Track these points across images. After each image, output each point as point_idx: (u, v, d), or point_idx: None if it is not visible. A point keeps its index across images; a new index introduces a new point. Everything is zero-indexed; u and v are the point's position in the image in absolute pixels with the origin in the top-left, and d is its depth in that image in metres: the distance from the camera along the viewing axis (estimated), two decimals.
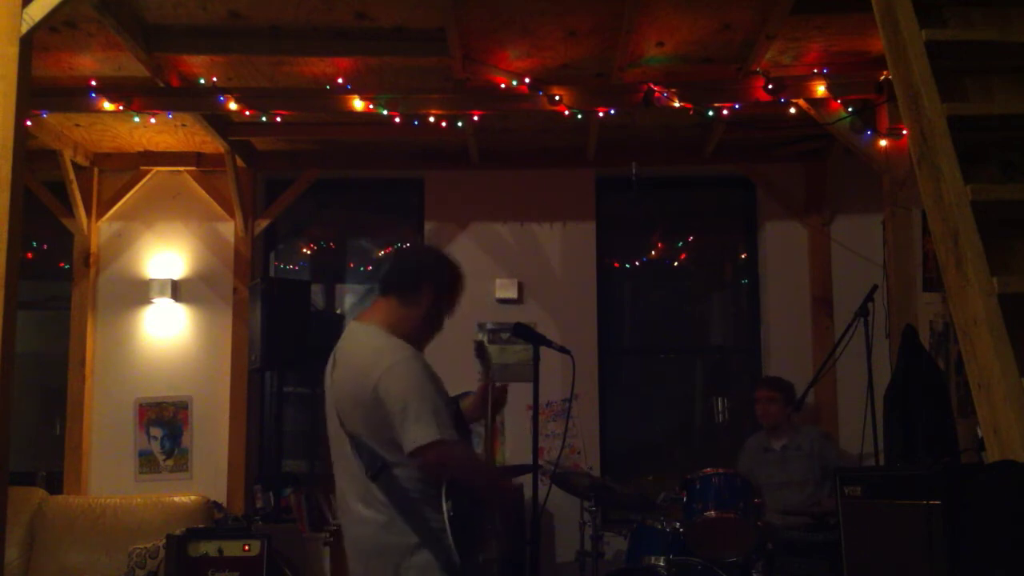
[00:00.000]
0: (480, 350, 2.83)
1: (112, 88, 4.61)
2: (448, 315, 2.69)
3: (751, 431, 5.25)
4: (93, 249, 5.80)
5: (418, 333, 2.62)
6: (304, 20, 4.16)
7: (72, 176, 5.56)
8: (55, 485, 5.61)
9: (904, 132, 4.15)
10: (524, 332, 2.91)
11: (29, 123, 3.58)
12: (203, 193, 5.85)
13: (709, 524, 4.12)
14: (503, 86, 4.62)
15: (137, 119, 4.93)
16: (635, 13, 3.95)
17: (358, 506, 2.50)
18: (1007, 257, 2.49)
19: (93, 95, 4.58)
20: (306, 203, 6.06)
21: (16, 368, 3.30)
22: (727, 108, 4.72)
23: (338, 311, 6.19)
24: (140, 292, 5.77)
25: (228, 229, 5.85)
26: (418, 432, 2.38)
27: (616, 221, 6.05)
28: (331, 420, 2.60)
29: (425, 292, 2.61)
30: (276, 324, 5.23)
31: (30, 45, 3.33)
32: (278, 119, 4.76)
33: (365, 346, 2.57)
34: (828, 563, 3.85)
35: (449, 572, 2.41)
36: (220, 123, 5.22)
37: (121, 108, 4.62)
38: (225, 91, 4.62)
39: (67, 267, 5.88)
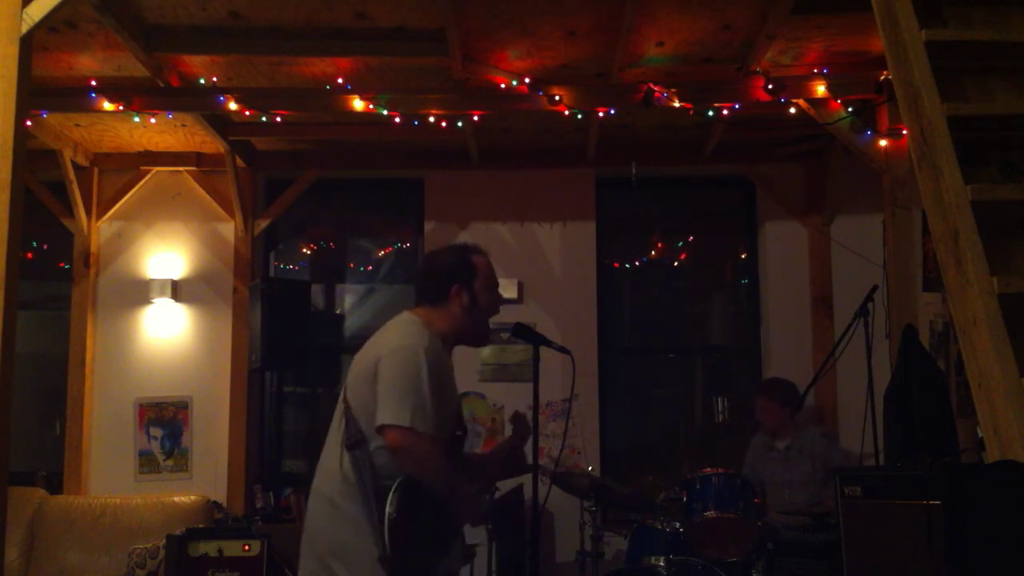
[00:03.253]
0: (519, 423, 2.85)
1: (112, 88, 4.61)
2: (492, 301, 2.76)
3: (751, 431, 5.24)
4: (93, 249, 5.80)
5: (461, 330, 2.70)
6: (304, 20, 4.16)
7: (72, 176, 5.56)
8: (55, 485, 5.62)
9: (904, 132, 4.15)
10: (524, 332, 2.89)
11: (29, 123, 3.58)
12: (203, 193, 5.85)
13: (709, 524, 4.12)
14: (503, 86, 4.62)
15: (137, 119, 4.93)
16: (635, 13, 3.95)
17: (324, 483, 2.57)
18: (1007, 257, 2.49)
19: (93, 95, 4.58)
20: (306, 203, 6.06)
21: (16, 368, 3.30)
22: (727, 108, 4.72)
23: (338, 311, 6.18)
24: (140, 292, 5.77)
25: (228, 229, 5.85)
26: (393, 412, 2.45)
27: (616, 221, 6.05)
28: (343, 391, 2.68)
29: (455, 294, 2.68)
30: (276, 324, 5.23)
31: (30, 45, 3.34)
32: (278, 119, 4.76)
33: (392, 328, 2.66)
34: (828, 563, 3.85)
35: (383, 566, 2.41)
36: (220, 123, 5.22)
37: (121, 108, 4.62)
38: (225, 91, 4.62)
39: (67, 267, 5.88)
